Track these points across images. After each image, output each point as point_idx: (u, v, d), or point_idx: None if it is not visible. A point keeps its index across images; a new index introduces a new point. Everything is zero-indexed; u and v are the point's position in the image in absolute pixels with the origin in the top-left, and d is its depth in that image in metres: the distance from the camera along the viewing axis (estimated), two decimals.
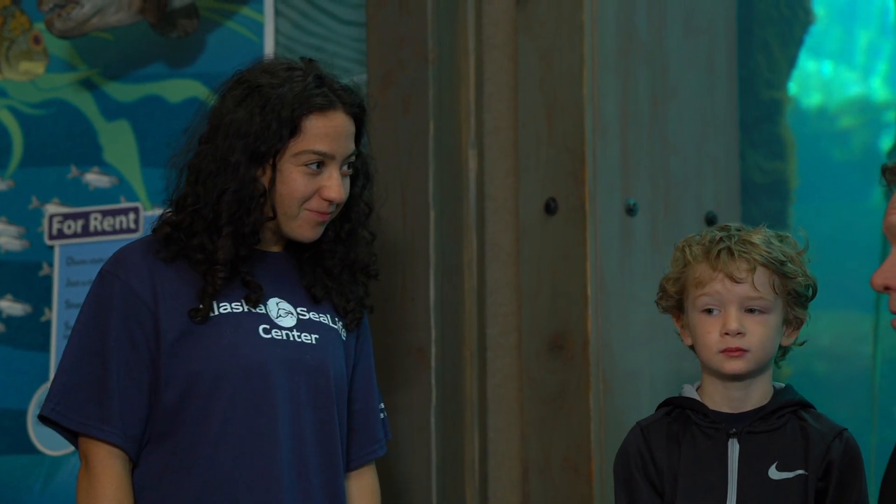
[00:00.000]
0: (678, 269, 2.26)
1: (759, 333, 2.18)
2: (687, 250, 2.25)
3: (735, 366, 2.18)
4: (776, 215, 3.59)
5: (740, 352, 2.18)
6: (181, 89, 3.42)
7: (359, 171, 2.42)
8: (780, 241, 2.23)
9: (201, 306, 2.28)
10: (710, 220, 3.21)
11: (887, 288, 1.82)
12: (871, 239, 3.70)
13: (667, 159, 3.19)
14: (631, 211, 3.10)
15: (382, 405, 2.54)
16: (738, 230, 2.24)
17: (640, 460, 2.23)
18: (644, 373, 3.06)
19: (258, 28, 3.37)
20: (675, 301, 2.28)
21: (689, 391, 2.27)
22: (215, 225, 2.30)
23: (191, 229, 2.31)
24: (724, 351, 2.19)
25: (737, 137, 3.34)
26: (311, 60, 2.38)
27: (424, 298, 3.03)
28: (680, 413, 2.26)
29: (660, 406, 2.30)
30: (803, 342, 2.28)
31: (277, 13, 3.36)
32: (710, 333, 2.20)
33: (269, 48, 3.32)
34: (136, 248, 2.33)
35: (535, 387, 3.03)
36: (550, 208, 3.05)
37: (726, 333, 2.18)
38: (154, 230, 2.36)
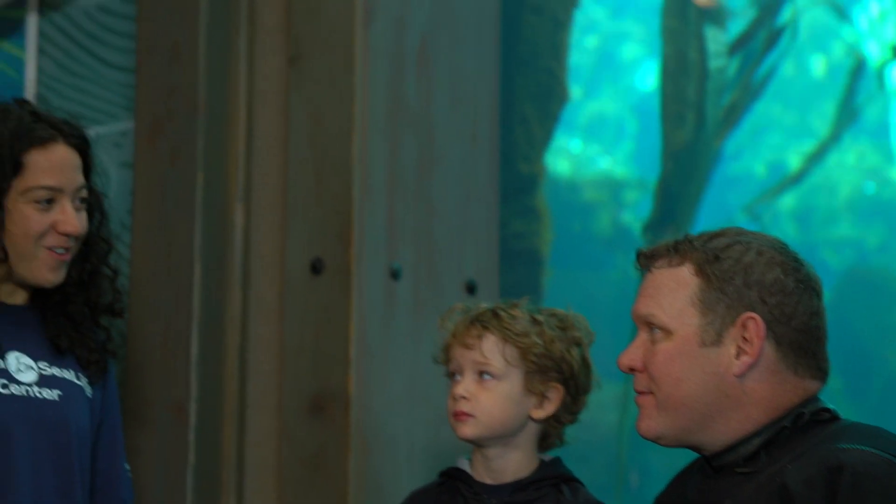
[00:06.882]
0: (447, 338, 2.31)
1: (485, 399, 2.23)
2: (447, 319, 2.30)
3: (463, 430, 2.24)
4: (531, 284, 3.70)
5: (465, 416, 2.23)
6: None
7: (93, 207, 2.35)
8: (540, 316, 2.26)
9: None
10: (470, 288, 3.28)
11: (632, 369, 1.91)
12: (615, 308, 3.86)
13: (430, 225, 3.24)
14: (395, 275, 3.13)
15: (128, 465, 2.47)
16: (505, 303, 2.29)
17: None
18: (403, 437, 3.09)
19: (18, 64, 3.24)
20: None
21: (462, 463, 2.33)
22: None
23: None
24: (454, 415, 2.24)
25: (497, 207, 3.43)
26: (24, 100, 2.31)
27: (185, 354, 2.97)
28: (451, 483, 2.31)
29: (439, 475, 2.35)
30: (573, 420, 2.31)
31: (41, 51, 3.24)
32: (450, 398, 2.26)
33: (30, 86, 3.20)
34: None
35: (294, 448, 3.00)
36: (316, 268, 3.05)
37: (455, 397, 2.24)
38: None
